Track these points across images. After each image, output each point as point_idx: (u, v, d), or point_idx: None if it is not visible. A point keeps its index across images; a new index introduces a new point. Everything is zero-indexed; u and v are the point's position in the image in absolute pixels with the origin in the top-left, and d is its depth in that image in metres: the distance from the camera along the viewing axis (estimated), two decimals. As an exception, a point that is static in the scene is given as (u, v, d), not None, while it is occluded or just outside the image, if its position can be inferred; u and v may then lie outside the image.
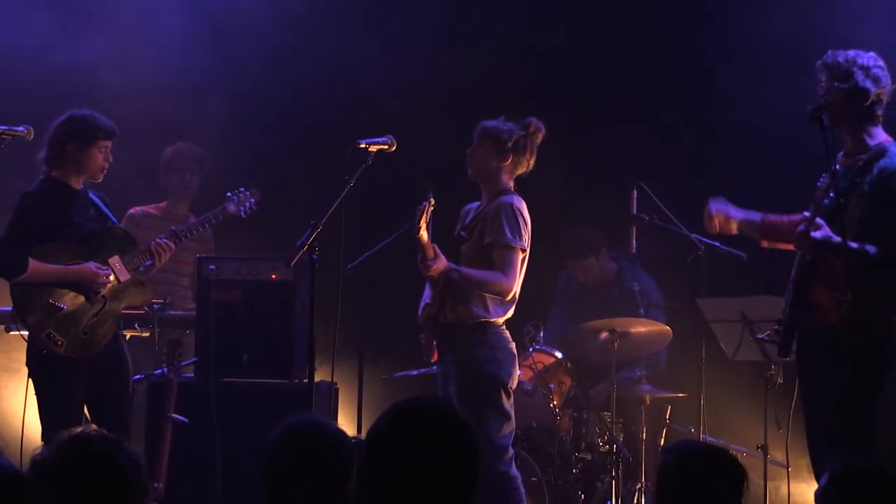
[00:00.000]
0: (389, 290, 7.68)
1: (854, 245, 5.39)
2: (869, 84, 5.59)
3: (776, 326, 5.83)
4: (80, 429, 3.10)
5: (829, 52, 5.68)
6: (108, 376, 6.56)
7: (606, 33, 8.80)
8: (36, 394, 6.63)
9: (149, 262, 6.66)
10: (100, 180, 6.65)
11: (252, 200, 7.12)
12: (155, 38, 8.67)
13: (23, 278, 6.44)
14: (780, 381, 6.80)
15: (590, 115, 8.75)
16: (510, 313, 6.50)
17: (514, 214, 6.36)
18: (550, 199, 7.60)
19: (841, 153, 5.71)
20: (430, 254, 6.28)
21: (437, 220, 6.51)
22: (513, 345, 6.47)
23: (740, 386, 7.67)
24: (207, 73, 8.56)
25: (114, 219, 6.76)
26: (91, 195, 6.69)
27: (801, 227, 5.46)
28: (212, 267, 7.03)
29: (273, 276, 7.23)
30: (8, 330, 7.35)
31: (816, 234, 5.43)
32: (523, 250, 6.39)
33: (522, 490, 6.50)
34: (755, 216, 6.06)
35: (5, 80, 8.40)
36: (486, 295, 6.38)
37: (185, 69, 8.53)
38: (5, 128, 6.39)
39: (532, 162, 6.53)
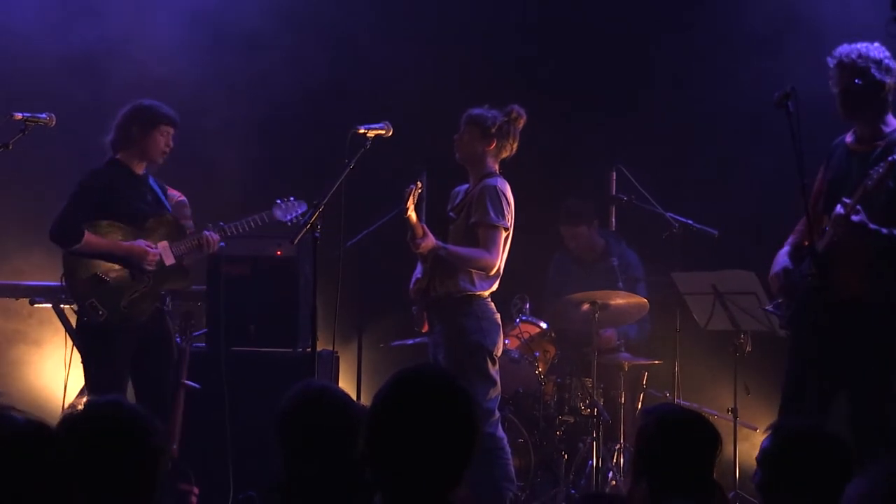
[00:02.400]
0: (387, 265, 7.80)
1: (884, 230, 5.60)
2: (884, 76, 5.79)
3: (779, 300, 6.03)
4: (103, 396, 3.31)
5: (841, 49, 5.83)
6: (152, 348, 6.75)
7: (589, 19, 8.92)
8: (82, 360, 6.87)
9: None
10: (160, 163, 6.84)
11: (299, 211, 7.02)
12: (160, 27, 8.78)
13: (77, 248, 6.65)
14: (748, 349, 7.10)
15: (573, 101, 8.87)
16: (495, 286, 6.76)
17: (497, 196, 6.64)
18: (536, 181, 7.90)
19: (851, 139, 5.91)
20: (419, 233, 6.57)
21: (435, 201, 6.84)
22: (497, 315, 6.74)
23: (712, 354, 7.88)
24: (210, 63, 8.69)
25: (168, 207, 6.93)
26: (152, 182, 6.89)
27: (841, 211, 5.57)
28: (222, 244, 7.13)
29: (278, 253, 7.51)
30: (32, 303, 7.69)
31: (855, 218, 5.56)
32: (506, 229, 6.67)
33: (508, 450, 6.77)
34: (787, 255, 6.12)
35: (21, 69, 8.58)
36: (472, 270, 6.66)
37: (189, 60, 8.65)
38: (28, 115, 6.56)
39: (515, 146, 6.80)
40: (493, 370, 6.67)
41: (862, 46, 5.81)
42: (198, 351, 7.41)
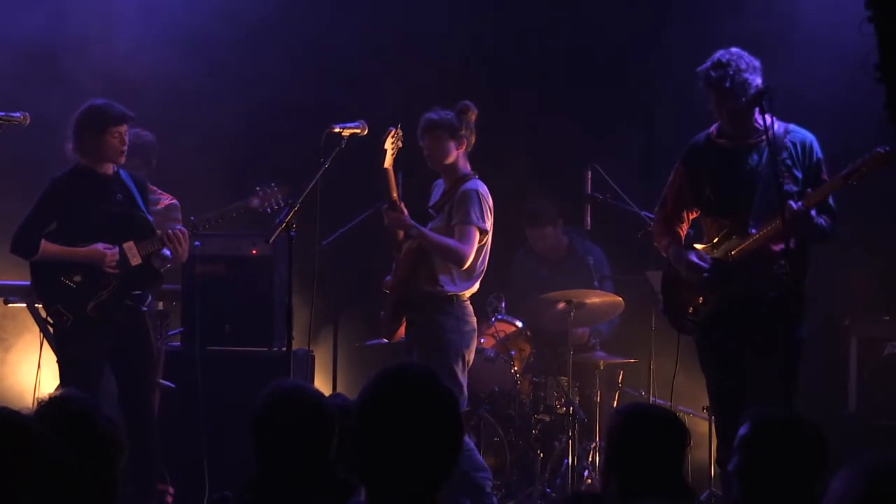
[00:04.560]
0: (361, 264, 7.80)
1: (822, 223, 5.66)
2: (757, 77, 5.75)
3: (703, 300, 5.96)
4: (62, 391, 3.29)
5: (714, 71, 5.75)
6: (128, 349, 6.71)
7: (564, 20, 8.93)
8: (56, 360, 6.87)
9: (167, 252, 6.70)
10: (121, 162, 6.75)
11: (279, 197, 6.77)
12: (129, 29, 8.76)
13: (36, 258, 6.67)
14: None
15: (548, 100, 8.87)
16: (475, 287, 6.76)
17: (478, 200, 6.63)
18: (511, 181, 7.89)
19: (720, 137, 5.90)
20: (394, 195, 6.56)
21: (409, 201, 6.83)
22: (474, 320, 6.73)
23: (686, 352, 7.49)
24: (184, 57, 8.63)
25: (141, 204, 6.79)
26: (126, 179, 6.81)
27: (801, 205, 5.56)
28: (197, 243, 7.19)
29: (254, 252, 7.51)
30: (6, 302, 7.69)
31: (813, 213, 5.59)
32: (484, 231, 6.65)
33: (470, 442, 6.75)
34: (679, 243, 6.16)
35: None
36: (453, 270, 6.63)
37: (162, 65, 8.62)
38: (2, 114, 6.54)
39: (473, 139, 6.78)
40: (462, 375, 6.64)
41: (735, 59, 5.74)
42: (173, 350, 7.42)
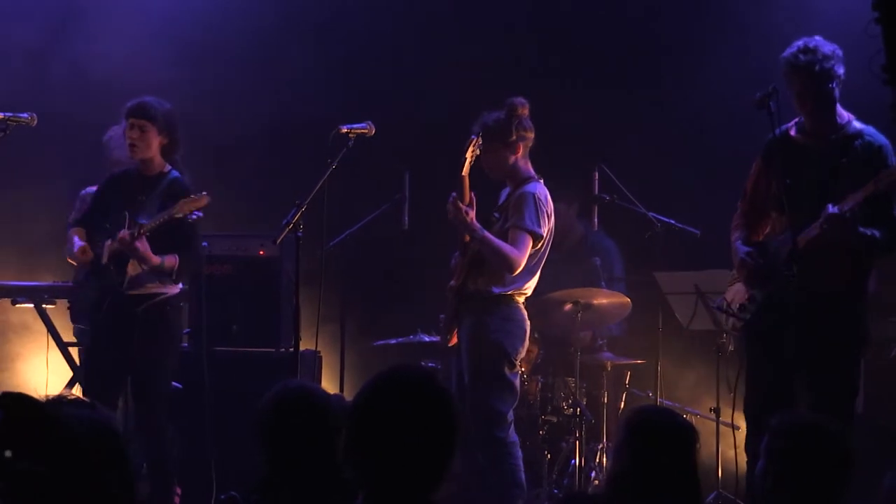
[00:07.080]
0: (369, 265, 7.80)
1: (869, 233, 5.54)
2: (841, 67, 5.65)
3: (749, 297, 5.87)
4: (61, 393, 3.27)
5: (804, 54, 5.62)
6: (126, 352, 6.62)
7: (572, 20, 8.92)
8: None
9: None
10: (134, 157, 6.66)
11: (199, 213, 6.47)
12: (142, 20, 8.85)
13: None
14: (730, 348, 7.10)
15: (553, 100, 8.58)
16: (528, 289, 6.61)
17: (534, 204, 6.48)
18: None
19: (798, 133, 5.79)
20: (466, 199, 6.42)
21: (419, 202, 6.79)
22: (527, 323, 6.59)
23: (694, 353, 7.92)
24: (197, 60, 8.70)
25: (157, 208, 6.61)
26: (167, 182, 6.69)
27: (837, 210, 5.48)
28: (204, 244, 7.17)
29: (261, 252, 7.52)
30: (14, 303, 7.69)
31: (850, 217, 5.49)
32: (538, 236, 6.49)
33: (519, 455, 6.63)
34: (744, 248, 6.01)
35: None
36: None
37: (173, 56, 8.66)
38: (10, 115, 6.55)
39: (531, 135, 6.60)
40: (511, 374, 6.53)
41: (820, 46, 5.66)
42: (180, 351, 7.36)
